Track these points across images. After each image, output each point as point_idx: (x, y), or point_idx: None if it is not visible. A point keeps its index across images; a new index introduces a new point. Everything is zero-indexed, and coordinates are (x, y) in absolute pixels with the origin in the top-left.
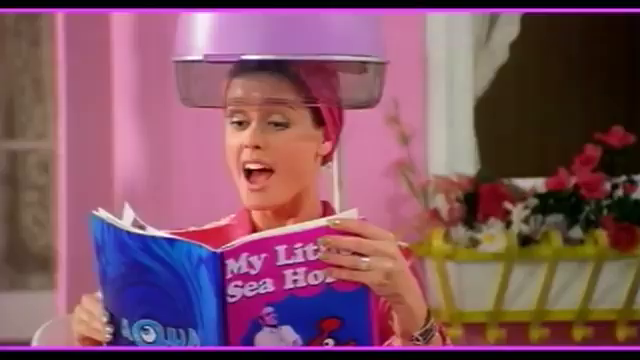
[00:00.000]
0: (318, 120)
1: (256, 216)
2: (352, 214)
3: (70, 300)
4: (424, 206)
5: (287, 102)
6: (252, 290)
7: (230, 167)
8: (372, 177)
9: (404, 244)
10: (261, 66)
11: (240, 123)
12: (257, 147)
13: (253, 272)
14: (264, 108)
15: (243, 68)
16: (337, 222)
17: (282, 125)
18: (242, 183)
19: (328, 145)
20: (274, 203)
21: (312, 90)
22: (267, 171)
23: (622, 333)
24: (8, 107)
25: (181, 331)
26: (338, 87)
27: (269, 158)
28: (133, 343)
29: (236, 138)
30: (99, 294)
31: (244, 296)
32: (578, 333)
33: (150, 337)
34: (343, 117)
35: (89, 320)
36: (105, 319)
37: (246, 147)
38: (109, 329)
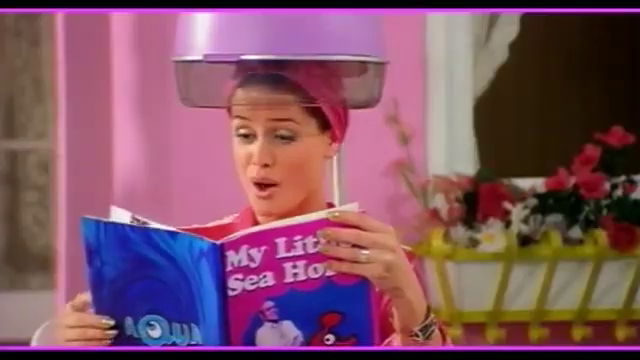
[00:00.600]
0: (324, 124)
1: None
2: (352, 207)
3: (70, 300)
4: (424, 206)
5: (290, 103)
6: (253, 284)
7: (239, 176)
8: (372, 177)
9: (407, 247)
10: (264, 77)
11: (246, 136)
12: (266, 165)
13: (253, 265)
14: (269, 122)
15: (246, 78)
16: (337, 214)
17: (288, 138)
18: (251, 190)
19: (336, 146)
20: (282, 209)
21: (315, 96)
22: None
23: (622, 333)
24: (8, 107)
25: (185, 326)
26: (340, 88)
27: (277, 176)
28: (139, 340)
29: (243, 149)
30: (73, 305)
31: (244, 290)
32: (578, 333)
33: (156, 332)
34: (348, 115)
35: (82, 333)
36: (108, 322)
37: (254, 164)
38: (112, 332)
